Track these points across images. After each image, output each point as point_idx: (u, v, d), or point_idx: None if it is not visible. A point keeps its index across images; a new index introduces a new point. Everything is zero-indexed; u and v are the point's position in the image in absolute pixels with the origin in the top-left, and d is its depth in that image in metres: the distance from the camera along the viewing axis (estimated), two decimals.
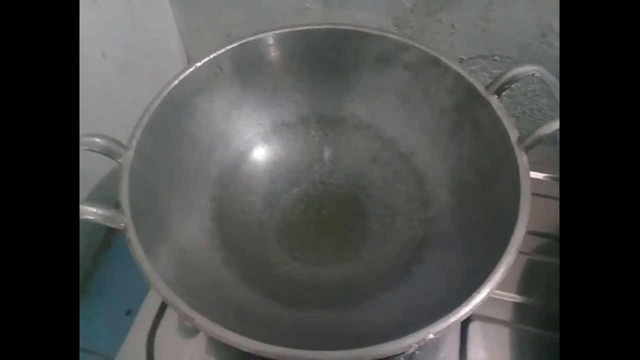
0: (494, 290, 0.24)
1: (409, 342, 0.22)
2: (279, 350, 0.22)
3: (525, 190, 0.27)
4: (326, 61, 0.37)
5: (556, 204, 0.40)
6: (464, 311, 0.23)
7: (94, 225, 0.43)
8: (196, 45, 0.53)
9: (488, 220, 0.29)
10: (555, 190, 0.42)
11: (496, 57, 0.45)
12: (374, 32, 0.35)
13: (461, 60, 0.46)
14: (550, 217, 0.40)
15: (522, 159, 0.28)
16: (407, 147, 0.37)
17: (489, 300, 0.35)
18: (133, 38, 0.44)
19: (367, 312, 0.29)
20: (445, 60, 0.34)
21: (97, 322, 0.42)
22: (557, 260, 0.37)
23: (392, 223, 0.35)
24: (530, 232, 0.39)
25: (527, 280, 0.37)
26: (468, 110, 0.33)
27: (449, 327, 0.23)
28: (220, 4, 0.49)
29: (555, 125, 0.28)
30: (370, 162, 0.38)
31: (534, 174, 0.43)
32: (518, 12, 0.40)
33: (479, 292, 0.24)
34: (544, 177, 0.43)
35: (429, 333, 0.22)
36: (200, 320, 0.23)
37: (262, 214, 0.35)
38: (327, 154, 0.38)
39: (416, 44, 0.35)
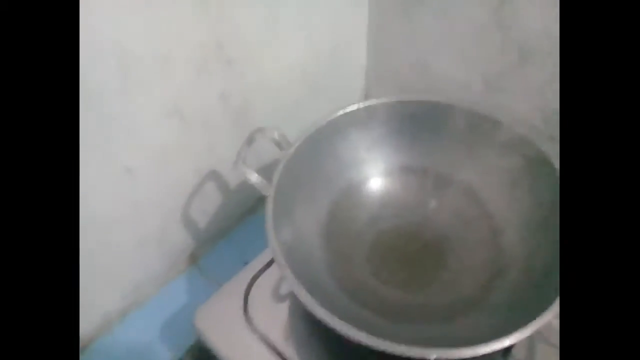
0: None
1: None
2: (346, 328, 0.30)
3: None
4: (464, 137, 0.45)
5: None
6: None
7: (247, 194, 0.57)
8: (374, 86, 0.65)
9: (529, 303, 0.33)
10: None
11: None
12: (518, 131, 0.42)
13: None
14: None
15: None
16: (501, 224, 0.42)
17: None
18: (329, 64, 0.57)
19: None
20: (556, 165, 0.39)
21: (223, 263, 0.56)
22: None
23: (457, 279, 0.41)
24: None
25: None
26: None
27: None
28: (400, 65, 0.59)
29: None
30: (464, 223, 0.44)
31: None
32: None
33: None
34: None
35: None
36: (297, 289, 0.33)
37: (364, 226, 0.45)
38: (433, 203, 0.46)
39: (542, 149, 0.40)
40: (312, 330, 0.41)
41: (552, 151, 0.49)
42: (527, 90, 0.49)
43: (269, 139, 0.40)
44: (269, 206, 0.37)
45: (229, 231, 0.58)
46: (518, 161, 0.42)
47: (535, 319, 0.30)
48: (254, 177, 0.38)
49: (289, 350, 0.40)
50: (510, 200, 0.43)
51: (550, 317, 0.31)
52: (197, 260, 0.55)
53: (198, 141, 0.46)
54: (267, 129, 0.40)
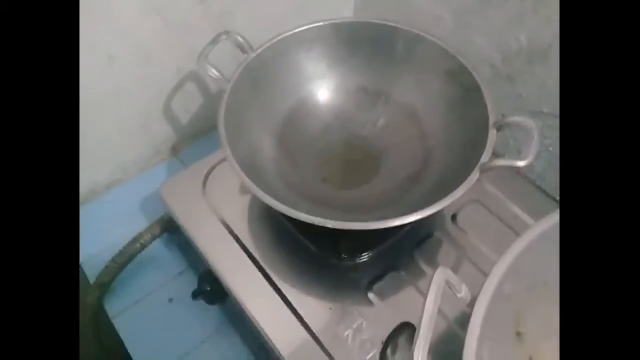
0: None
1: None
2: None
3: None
4: (415, 63, 0.49)
5: None
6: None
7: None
8: (361, 11, 0.68)
9: None
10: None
11: None
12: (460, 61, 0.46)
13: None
14: None
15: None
16: (432, 143, 0.48)
17: None
18: None
19: None
20: (485, 91, 0.43)
21: (202, 156, 0.61)
22: None
23: (384, 184, 0.47)
24: None
25: None
26: (479, 133, 0.42)
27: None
28: None
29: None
30: (404, 142, 0.49)
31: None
32: None
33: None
34: None
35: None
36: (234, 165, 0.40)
37: (316, 133, 0.51)
38: (380, 121, 0.51)
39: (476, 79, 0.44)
40: (264, 214, 0.49)
41: (503, 88, 0.53)
42: (489, 30, 0.52)
43: (234, 42, 0.46)
44: (224, 99, 0.43)
45: (210, 130, 0.64)
46: (456, 89, 0.47)
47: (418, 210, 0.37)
48: (213, 72, 0.43)
49: (239, 227, 0.48)
50: (444, 123, 0.48)
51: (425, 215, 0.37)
52: (178, 153, 0.63)
53: (179, 42, 0.52)
54: (232, 32, 0.45)
